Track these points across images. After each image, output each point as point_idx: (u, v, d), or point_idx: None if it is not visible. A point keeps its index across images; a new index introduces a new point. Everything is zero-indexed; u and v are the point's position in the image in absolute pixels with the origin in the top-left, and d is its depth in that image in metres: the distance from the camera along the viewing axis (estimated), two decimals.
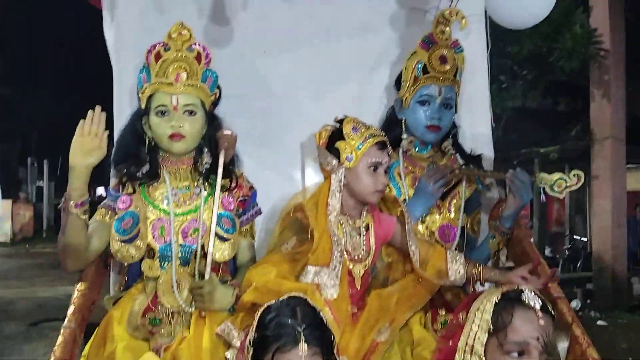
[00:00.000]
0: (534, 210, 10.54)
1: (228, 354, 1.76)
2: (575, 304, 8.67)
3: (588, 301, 8.78)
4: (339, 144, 1.89)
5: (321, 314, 1.47)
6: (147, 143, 2.01)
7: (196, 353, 1.78)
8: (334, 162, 1.89)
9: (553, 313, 1.41)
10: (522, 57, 7.68)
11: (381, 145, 1.90)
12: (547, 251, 11.05)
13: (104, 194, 2.18)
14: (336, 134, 1.92)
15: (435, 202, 2.12)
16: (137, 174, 1.98)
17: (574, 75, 8.31)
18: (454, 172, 2.10)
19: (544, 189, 2.11)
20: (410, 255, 1.91)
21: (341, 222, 1.91)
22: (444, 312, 2.05)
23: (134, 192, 1.98)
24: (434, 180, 2.06)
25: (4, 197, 15.59)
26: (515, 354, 1.35)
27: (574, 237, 12.10)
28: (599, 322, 7.99)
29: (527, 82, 8.11)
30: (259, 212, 2.12)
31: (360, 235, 1.94)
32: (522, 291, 1.41)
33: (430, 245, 2.00)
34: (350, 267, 1.89)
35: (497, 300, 1.41)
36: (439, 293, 1.99)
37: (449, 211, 2.17)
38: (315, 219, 1.84)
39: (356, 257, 1.91)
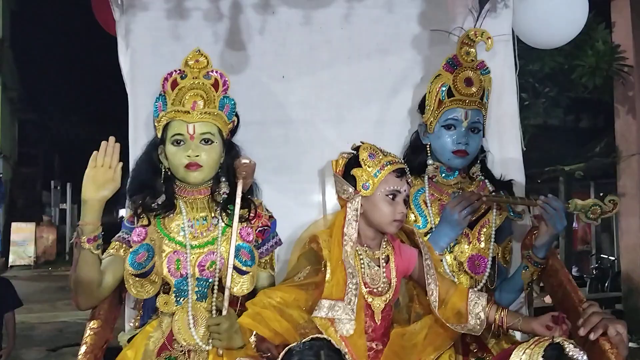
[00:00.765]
0: None
1: None
2: None
3: None
4: (355, 171, 1.82)
5: (347, 357, 1.37)
6: (163, 173, 1.95)
7: None
8: (350, 190, 1.82)
9: None
10: (543, 75, 7.57)
11: (400, 173, 1.82)
12: (574, 270, 10.80)
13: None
14: (352, 161, 1.84)
15: (461, 231, 2.01)
16: (153, 205, 1.92)
17: (596, 92, 8.17)
18: (480, 199, 1.99)
19: (577, 215, 1.99)
20: (428, 294, 1.80)
21: (359, 252, 1.83)
22: (475, 349, 1.93)
23: (149, 223, 1.91)
24: (460, 209, 1.95)
25: (27, 220, 15.75)
26: None
27: (601, 255, 11.82)
28: (630, 345, 7.71)
29: (549, 99, 7.98)
30: (279, 243, 2.04)
31: (379, 266, 1.84)
32: (561, 345, 1.30)
33: (452, 283, 1.89)
34: (369, 300, 1.80)
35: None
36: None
37: (479, 240, 2.06)
38: (329, 251, 1.76)
39: (375, 290, 1.81)
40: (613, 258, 11.17)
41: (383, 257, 1.86)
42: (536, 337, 1.55)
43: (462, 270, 2.04)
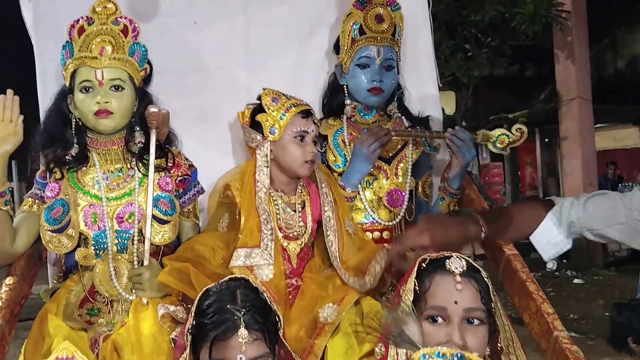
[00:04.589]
0: (506, 176, 10.63)
1: (173, 334, 1.69)
2: (551, 264, 8.76)
3: (564, 261, 8.89)
4: (260, 117, 1.83)
5: (264, 295, 1.39)
6: (73, 124, 1.90)
7: (136, 339, 1.70)
8: (258, 137, 1.84)
9: (485, 277, 1.35)
10: (485, 25, 7.64)
11: (305, 114, 1.84)
12: None
13: None
14: (257, 109, 1.86)
15: (371, 166, 2.03)
16: (65, 157, 1.88)
17: (538, 40, 8.29)
18: (389, 133, 2.01)
19: (486, 146, 2.05)
20: (328, 246, 1.81)
21: (274, 198, 1.85)
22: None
23: (63, 177, 1.87)
24: (369, 143, 1.97)
25: None
26: (439, 319, 1.31)
27: None
28: (576, 281, 8.13)
29: (493, 49, 8.07)
30: (201, 191, 2.03)
31: (295, 211, 1.87)
32: (449, 257, 1.35)
33: (362, 243, 1.89)
34: (285, 245, 1.83)
35: (424, 266, 1.36)
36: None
37: (396, 175, 2.10)
38: (242, 198, 1.77)
39: (291, 235, 1.85)
40: None
41: (299, 202, 1.89)
42: None
43: (381, 204, 2.08)
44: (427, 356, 0.98)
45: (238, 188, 1.82)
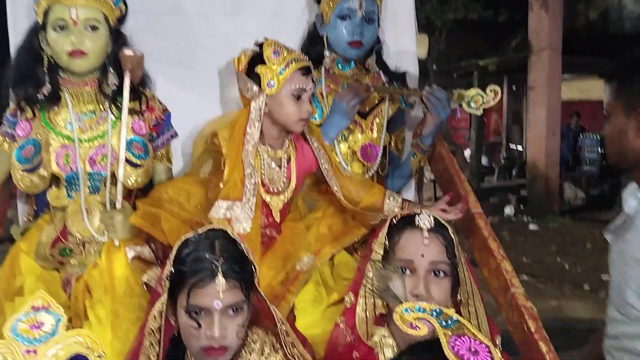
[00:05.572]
0: (472, 122, 10.78)
1: (145, 278, 1.73)
2: (509, 210, 9.08)
3: (521, 207, 9.20)
4: (260, 69, 1.78)
5: (242, 246, 1.43)
6: (46, 62, 1.85)
7: (109, 280, 1.74)
8: (255, 88, 1.79)
9: (452, 233, 1.46)
10: None
11: (305, 71, 1.80)
12: (485, 161, 11.41)
13: None
14: (256, 59, 1.80)
15: (349, 121, 2.05)
16: (36, 96, 1.84)
17: None
18: (368, 90, 2.02)
19: (460, 105, 2.09)
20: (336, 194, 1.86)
21: (260, 152, 1.84)
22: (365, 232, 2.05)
23: (34, 116, 1.84)
24: (348, 98, 1.98)
25: None
26: (407, 271, 1.42)
27: (511, 146, 12.50)
28: (531, 227, 8.42)
29: None
30: (174, 135, 2.03)
31: (280, 167, 1.87)
32: (418, 214, 1.43)
33: (363, 185, 1.93)
34: (267, 199, 1.84)
35: (395, 222, 1.45)
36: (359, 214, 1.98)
37: (371, 130, 2.12)
38: (229, 149, 1.76)
39: (274, 190, 1.86)
40: (521, 148, 11.85)
41: (285, 157, 1.88)
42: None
43: (355, 158, 2.11)
44: (408, 310, 1.06)
45: (225, 138, 1.79)
